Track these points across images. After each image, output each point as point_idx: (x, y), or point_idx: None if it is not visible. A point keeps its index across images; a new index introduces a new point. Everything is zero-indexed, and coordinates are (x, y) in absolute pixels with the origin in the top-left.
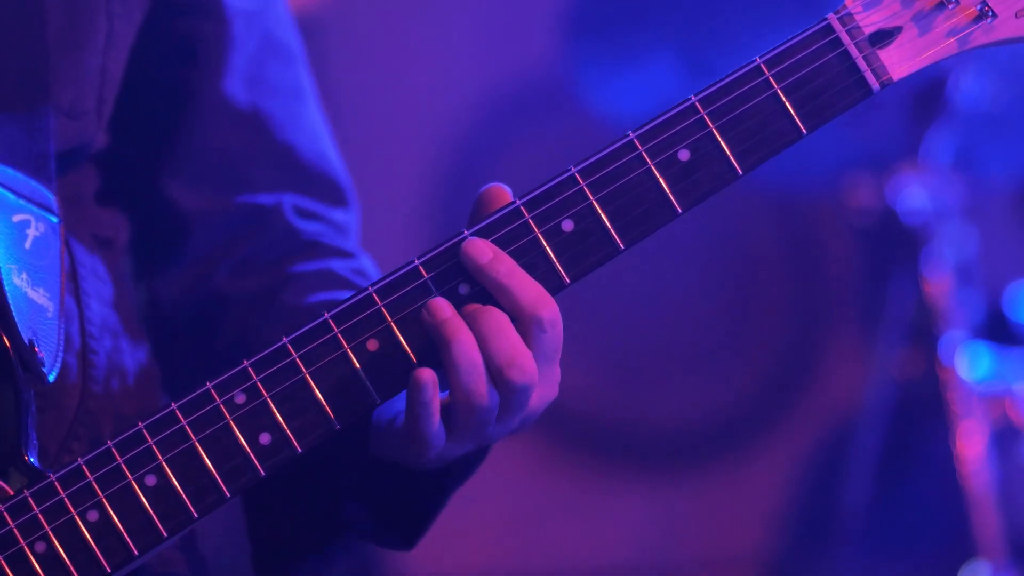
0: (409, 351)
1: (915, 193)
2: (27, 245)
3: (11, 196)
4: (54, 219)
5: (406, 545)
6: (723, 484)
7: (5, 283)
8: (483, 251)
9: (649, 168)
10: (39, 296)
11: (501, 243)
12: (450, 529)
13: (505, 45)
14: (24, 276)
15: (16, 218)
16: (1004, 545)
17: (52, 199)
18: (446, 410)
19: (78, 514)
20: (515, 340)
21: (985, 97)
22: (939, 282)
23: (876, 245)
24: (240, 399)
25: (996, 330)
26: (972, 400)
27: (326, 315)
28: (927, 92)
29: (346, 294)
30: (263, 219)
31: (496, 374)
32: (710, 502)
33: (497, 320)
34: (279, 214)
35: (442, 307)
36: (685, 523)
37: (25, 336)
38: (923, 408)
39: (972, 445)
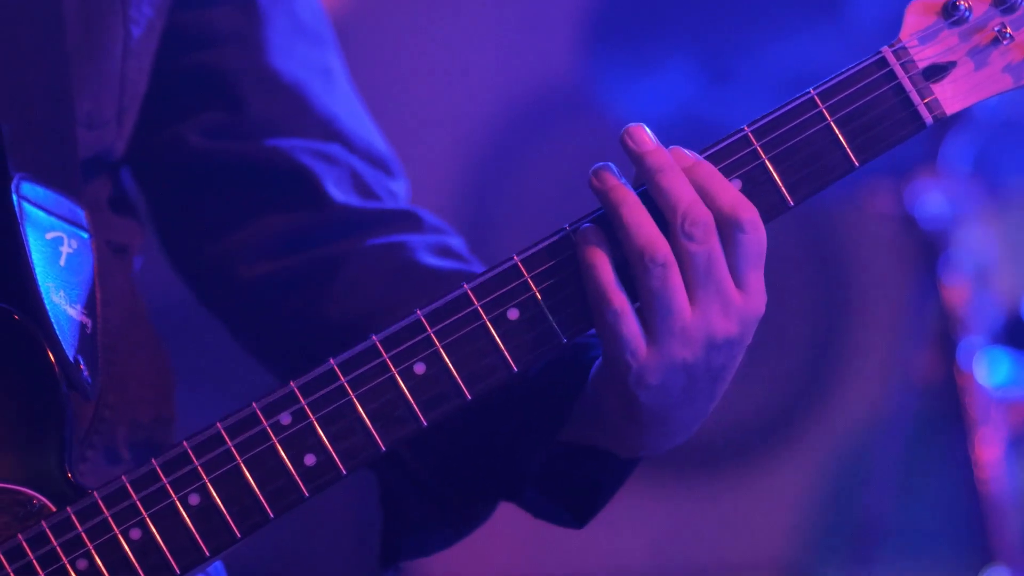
0: (457, 376)
1: (934, 199)
2: (61, 262)
3: (42, 214)
4: (85, 235)
5: (577, 524)
6: (743, 490)
7: (46, 302)
8: (685, 156)
9: None
10: (77, 313)
11: None
12: None
13: (525, 51)
14: (62, 294)
15: (49, 236)
16: (1022, 551)
17: (81, 213)
18: (639, 312)
19: (121, 532)
20: (691, 193)
21: (1004, 103)
22: (958, 288)
23: (895, 251)
24: (286, 420)
25: (1015, 336)
26: (991, 406)
27: (374, 339)
28: None
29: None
30: (334, 158)
31: (676, 229)
32: (731, 508)
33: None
34: (349, 164)
35: (609, 175)
36: (706, 529)
37: (70, 354)
38: (942, 414)
39: (990, 451)
